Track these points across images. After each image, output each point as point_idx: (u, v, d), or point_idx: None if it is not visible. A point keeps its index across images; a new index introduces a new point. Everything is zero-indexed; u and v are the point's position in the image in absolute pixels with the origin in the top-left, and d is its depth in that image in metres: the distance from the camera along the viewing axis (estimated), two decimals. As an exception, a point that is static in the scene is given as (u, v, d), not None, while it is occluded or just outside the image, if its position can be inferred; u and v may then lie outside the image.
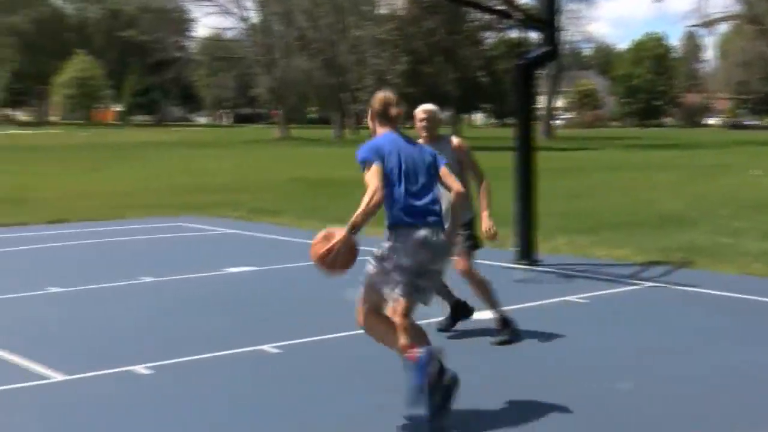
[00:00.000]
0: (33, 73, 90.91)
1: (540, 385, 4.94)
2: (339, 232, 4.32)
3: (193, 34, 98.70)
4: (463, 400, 4.26)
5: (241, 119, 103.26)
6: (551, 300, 7.33)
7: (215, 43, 77.92)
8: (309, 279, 8.47)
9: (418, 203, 4.32)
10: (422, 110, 5.93)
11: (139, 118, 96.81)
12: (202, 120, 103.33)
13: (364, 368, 5.32)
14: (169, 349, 5.74)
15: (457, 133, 46.72)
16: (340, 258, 4.26)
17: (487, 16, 43.73)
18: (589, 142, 49.45)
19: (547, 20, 9.19)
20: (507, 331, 5.99)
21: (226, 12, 58.59)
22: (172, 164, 28.40)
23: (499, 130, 77.56)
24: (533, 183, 9.17)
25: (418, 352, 4.11)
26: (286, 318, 6.81)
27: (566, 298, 7.37)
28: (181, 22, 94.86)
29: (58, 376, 5.14)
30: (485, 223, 6.03)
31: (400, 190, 4.31)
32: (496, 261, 9.29)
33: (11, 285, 8.03)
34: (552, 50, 9.24)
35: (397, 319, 4.25)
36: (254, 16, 59.89)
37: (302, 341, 5.98)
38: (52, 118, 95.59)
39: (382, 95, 4.58)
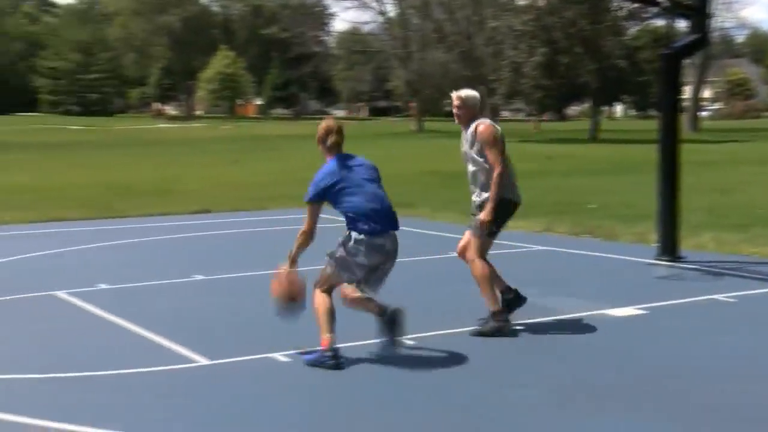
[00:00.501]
0: (181, 69, 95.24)
1: (680, 390, 4.74)
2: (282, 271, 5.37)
3: (332, 28, 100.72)
4: (606, 403, 4.15)
5: (377, 112, 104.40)
6: (696, 298, 7.02)
7: (353, 37, 79.12)
8: (446, 271, 8.49)
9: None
10: (455, 96, 6.06)
11: (279, 111, 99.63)
12: (339, 113, 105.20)
13: (487, 363, 5.26)
14: (305, 339, 5.88)
15: (597, 126, 45.54)
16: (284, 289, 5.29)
17: (632, 5, 42.30)
18: (739, 134, 47.05)
19: (696, 6, 8.78)
20: (492, 323, 5.82)
21: (365, 6, 59.33)
22: (310, 156, 28.99)
23: (640, 122, 75.04)
24: (678, 177, 8.81)
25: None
26: (419, 310, 6.84)
27: (713, 296, 7.05)
28: (321, 17, 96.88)
29: (202, 360, 5.36)
30: (481, 214, 5.93)
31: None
32: (638, 257, 9.00)
33: (159, 272, 8.44)
34: (701, 38, 8.83)
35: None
36: (392, 10, 60.35)
37: (435, 333, 5.98)
38: (198, 112, 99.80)
39: (324, 124, 5.54)
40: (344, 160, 5.46)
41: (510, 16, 43.65)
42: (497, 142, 5.91)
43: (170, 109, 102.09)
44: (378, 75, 79.59)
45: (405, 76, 59.96)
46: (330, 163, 5.46)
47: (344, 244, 5.32)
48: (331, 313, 5.25)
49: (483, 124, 5.97)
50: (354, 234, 5.29)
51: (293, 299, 5.30)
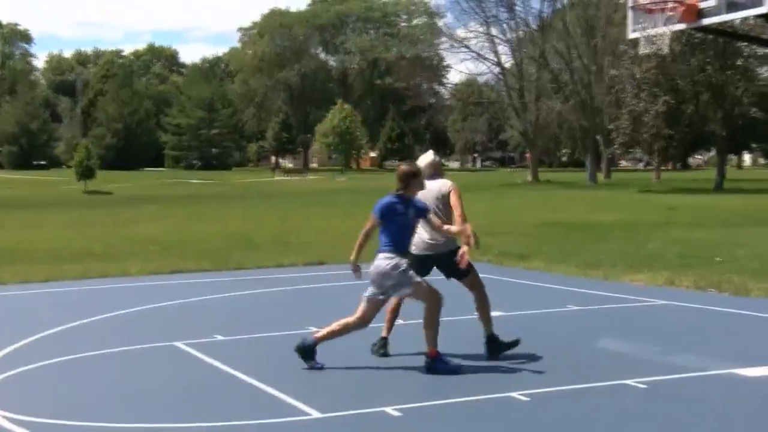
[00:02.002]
0: (298, 122, 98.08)
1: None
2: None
3: (447, 80, 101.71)
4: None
5: (492, 163, 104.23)
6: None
7: (468, 88, 79.65)
8: (559, 325, 8.32)
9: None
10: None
11: (394, 163, 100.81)
12: (454, 164, 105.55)
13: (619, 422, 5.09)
14: (418, 393, 5.86)
15: (723, 175, 43.88)
16: None
17: (764, 49, 40.88)
18: None
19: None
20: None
21: (481, 57, 59.75)
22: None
23: (771, 171, 71.95)
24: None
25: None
26: (536, 365, 6.71)
27: None
28: (436, 69, 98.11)
29: (314, 413, 5.41)
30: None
31: None
32: (767, 313, 8.58)
33: (274, 323, 8.61)
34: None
35: None
36: (508, 60, 60.54)
37: (554, 389, 5.85)
38: (313, 165, 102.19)
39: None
40: None
41: (630, 64, 42.94)
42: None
43: (287, 162, 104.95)
44: (492, 125, 79.68)
45: (521, 126, 59.79)
46: None
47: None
48: None
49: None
50: None
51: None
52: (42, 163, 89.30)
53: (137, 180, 61.63)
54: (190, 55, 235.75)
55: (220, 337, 7.95)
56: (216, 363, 6.88)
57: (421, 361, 6.77)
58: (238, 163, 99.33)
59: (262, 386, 6.11)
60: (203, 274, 12.79)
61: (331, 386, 6.21)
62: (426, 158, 7.16)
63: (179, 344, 7.59)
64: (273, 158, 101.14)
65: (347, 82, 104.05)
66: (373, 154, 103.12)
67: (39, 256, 14.91)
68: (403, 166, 6.81)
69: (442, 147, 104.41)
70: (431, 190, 6.94)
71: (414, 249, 6.89)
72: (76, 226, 22.91)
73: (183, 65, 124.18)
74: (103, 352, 7.37)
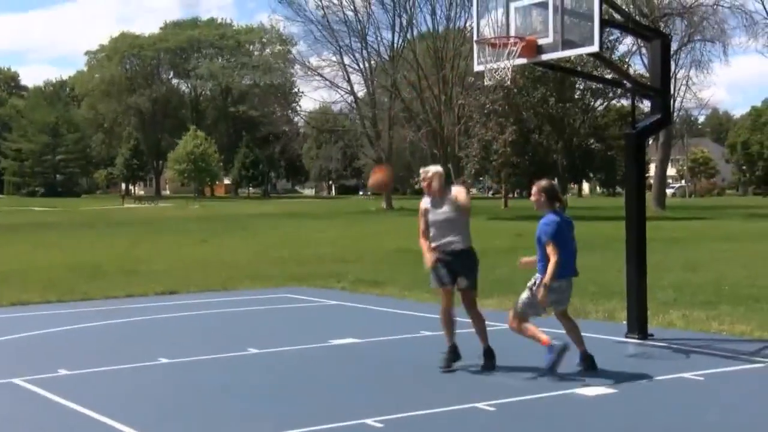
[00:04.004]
0: (149, 149, 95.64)
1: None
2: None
3: (301, 108, 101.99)
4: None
5: (345, 190, 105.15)
6: (665, 377, 7.05)
7: (322, 116, 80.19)
8: (412, 350, 8.46)
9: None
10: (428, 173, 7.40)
11: (248, 190, 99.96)
12: (308, 191, 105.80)
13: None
14: (288, 422, 5.80)
15: (565, 203, 46.07)
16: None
17: (596, 84, 43.40)
18: (704, 211, 47.94)
19: (659, 89, 9.06)
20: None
21: (334, 86, 60.34)
22: (278, 235, 29.09)
23: (608, 199, 76.22)
24: (645, 254, 8.93)
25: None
26: (388, 391, 6.79)
27: (681, 374, 7.08)
28: (289, 97, 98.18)
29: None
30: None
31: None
32: (607, 334, 9.04)
33: (122, 355, 8.31)
34: (664, 118, 9.07)
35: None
36: (361, 90, 61.43)
37: (406, 415, 5.93)
38: (166, 192, 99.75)
39: (549, 182, 7.23)
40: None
41: (478, 94, 44.58)
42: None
43: (138, 189, 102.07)
44: (346, 153, 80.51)
45: (374, 154, 60.67)
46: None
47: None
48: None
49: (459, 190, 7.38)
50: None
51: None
52: None
53: (-27, 207, 58.10)
54: (32, 77, 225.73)
55: (64, 372, 7.59)
56: (62, 401, 6.56)
57: (291, 391, 6.71)
58: (86, 191, 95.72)
59: (108, 421, 5.88)
60: (46, 306, 12.20)
61: (179, 420, 6.05)
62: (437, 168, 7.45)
63: (19, 381, 7.19)
64: (123, 185, 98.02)
65: (200, 108, 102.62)
66: (227, 181, 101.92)
67: None
68: (544, 181, 7.23)
69: (297, 174, 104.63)
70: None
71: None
72: None
73: (24, 88, 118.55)
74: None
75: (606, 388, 6.63)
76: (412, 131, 56.06)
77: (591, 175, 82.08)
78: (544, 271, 7.03)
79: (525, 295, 7.19)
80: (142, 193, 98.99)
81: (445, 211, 7.32)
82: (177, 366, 7.86)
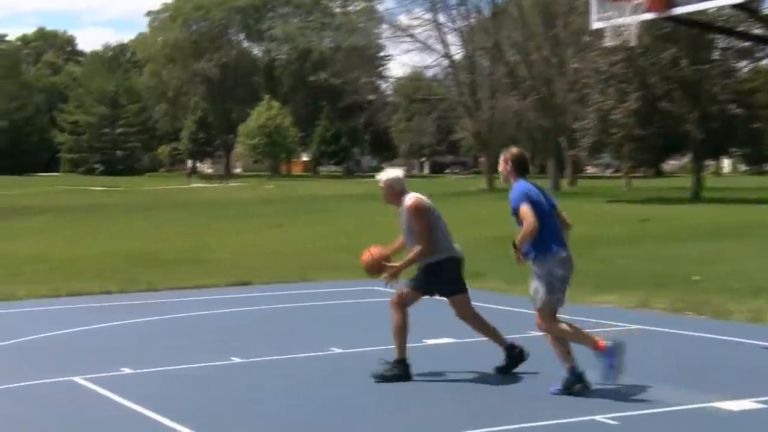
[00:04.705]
0: (218, 121, 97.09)
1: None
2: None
3: (389, 74, 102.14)
4: None
5: (439, 168, 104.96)
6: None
7: (413, 83, 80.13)
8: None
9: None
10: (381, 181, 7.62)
11: (329, 168, 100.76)
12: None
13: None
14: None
15: (701, 183, 44.91)
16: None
17: (741, 43, 41.99)
18: None
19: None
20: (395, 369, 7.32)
21: (427, 48, 60.20)
22: (362, 219, 29.25)
23: (752, 178, 73.98)
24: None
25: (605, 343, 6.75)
26: (490, 398, 6.76)
27: None
28: (376, 62, 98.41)
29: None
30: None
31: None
32: (753, 339, 8.80)
33: (190, 354, 8.51)
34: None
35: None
36: (458, 52, 61.08)
37: (510, 427, 5.90)
38: (236, 170, 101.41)
39: (519, 151, 7.11)
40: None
41: (595, 56, 43.75)
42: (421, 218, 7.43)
43: (205, 167, 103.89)
44: (441, 126, 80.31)
45: (473, 127, 60.35)
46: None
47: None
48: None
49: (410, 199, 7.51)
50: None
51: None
52: None
53: (25, 186, 60.47)
54: (88, 41, 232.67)
55: (127, 371, 7.83)
56: (124, 401, 6.77)
57: (370, 396, 6.78)
58: (149, 168, 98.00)
59: (175, 425, 6.04)
60: (106, 297, 12.60)
61: (263, 427, 6.16)
62: (400, 171, 7.82)
63: (79, 379, 7.45)
64: (189, 162, 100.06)
65: (274, 74, 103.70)
66: (305, 158, 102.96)
67: None
68: (515, 149, 7.25)
69: (385, 150, 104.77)
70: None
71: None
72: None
73: (80, 53, 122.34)
74: (-14, 389, 7.21)
75: (753, 403, 6.45)
76: (517, 100, 55.50)
77: (733, 150, 79.64)
78: (533, 254, 6.91)
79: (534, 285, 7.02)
80: (210, 171, 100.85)
81: (402, 220, 7.61)
82: (250, 366, 8.00)
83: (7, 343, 9.17)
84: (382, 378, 7.27)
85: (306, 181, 76.93)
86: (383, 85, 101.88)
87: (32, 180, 73.32)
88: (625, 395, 6.73)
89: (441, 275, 7.57)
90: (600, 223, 26.36)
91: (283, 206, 38.43)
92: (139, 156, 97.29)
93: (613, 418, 6.06)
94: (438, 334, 9.25)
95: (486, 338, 7.77)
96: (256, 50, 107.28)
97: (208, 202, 43.52)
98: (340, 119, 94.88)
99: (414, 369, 7.47)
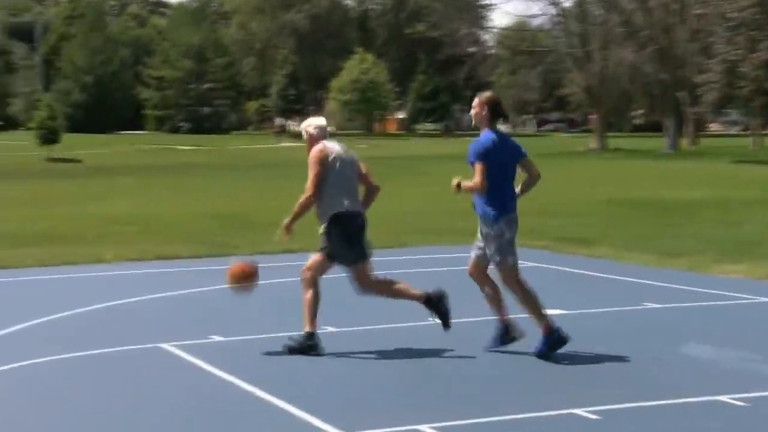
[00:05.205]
0: (308, 76, 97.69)
1: None
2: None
3: (492, 24, 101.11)
4: None
5: (547, 126, 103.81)
6: None
7: (518, 34, 79.17)
8: (633, 327, 8.28)
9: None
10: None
11: (426, 126, 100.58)
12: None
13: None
14: (456, 408, 5.87)
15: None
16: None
17: None
18: None
19: None
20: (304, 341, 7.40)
21: (532, -5, 59.31)
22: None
23: None
24: None
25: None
26: (606, 376, 6.70)
27: None
28: (477, 11, 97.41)
29: None
30: None
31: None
32: None
33: (279, 321, 8.64)
34: None
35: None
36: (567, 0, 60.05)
37: (630, 406, 5.85)
38: (329, 129, 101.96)
39: (495, 95, 7.43)
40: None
41: (722, 1, 42.49)
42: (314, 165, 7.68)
43: (295, 125, 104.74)
44: (548, 80, 79.24)
45: (583, 82, 59.36)
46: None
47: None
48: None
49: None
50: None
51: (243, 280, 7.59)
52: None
53: (111, 145, 62.01)
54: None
55: (217, 338, 8.00)
56: (214, 370, 6.93)
57: (466, 370, 6.80)
58: (236, 126, 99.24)
59: (273, 399, 6.17)
60: (194, 261, 12.86)
61: (356, 399, 6.23)
62: (320, 120, 8.25)
63: (167, 346, 7.65)
64: (278, 120, 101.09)
65: (368, 26, 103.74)
66: (400, 115, 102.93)
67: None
68: (489, 93, 7.65)
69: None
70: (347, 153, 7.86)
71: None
72: (37, 201, 23.11)
73: (166, 4, 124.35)
74: (70, 356, 7.46)
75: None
76: (633, 51, 54.32)
77: None
78: (484, 213, 7.24)
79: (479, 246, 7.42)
80: (299, 129, 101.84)
81: None
82: (343, 336, 8.08)
83: (93, 307, 9.44)
84: (290, 350, 7.38)
85: (401, 141, 76.98)
86: (485, 37, 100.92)
87: (117, 138, 75.13)
88: (756, 374, 6.58)
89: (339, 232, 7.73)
90: (725, 185, 25.76)
91: (377, 167, 38.44)
92: (226, 113, 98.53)
93: (740, 399, 5.94)
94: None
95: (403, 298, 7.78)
96: (349, 0, 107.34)
97: (298, 163, 43.91)
98: (438, 74, 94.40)
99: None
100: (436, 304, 7.54)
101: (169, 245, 14.06)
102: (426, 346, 7.64)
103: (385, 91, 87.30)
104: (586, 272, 11.68)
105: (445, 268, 12.10)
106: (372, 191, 8.06)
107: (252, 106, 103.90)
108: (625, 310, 9.23)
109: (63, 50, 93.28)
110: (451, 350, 7.48)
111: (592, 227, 15.93)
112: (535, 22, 67.87)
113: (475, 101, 7.45)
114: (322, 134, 7.98)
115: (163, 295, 10.23)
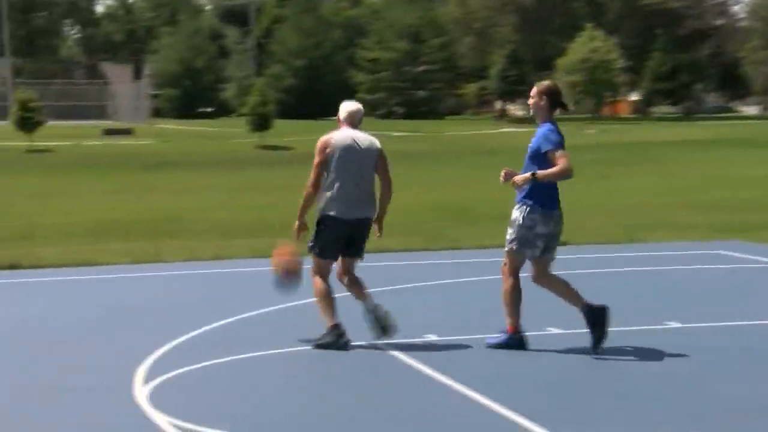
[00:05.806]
0: (532, 56, 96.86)
1: None
2: None
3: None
4: None
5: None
6: None
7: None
8: None
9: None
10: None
11: (663, 109, 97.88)
12: (751, 110, 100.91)
13: None
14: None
15: None
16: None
17: None
18: None
19: None
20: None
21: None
22: (703, 170, 28.31)
23: None
24: None
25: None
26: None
27: None
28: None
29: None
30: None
31: None
32: None
33: (489, 324, 8.69)
34: None
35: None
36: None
37: None
38: (555, 113, 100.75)
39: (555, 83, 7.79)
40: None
41: None
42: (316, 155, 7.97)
43: (515, 109, 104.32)
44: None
45: None
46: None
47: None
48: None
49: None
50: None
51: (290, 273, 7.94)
52: (207, 110, 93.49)
53: (322, 132, 63.44)
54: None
55: (433, 338, 8.14)
56: (429, 371, 7.09)
57: (708, 383, 6.67)
58: (453, 110, 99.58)
59: (497, 408, 6.23)
60: (409, 254, 13.05)
61: (563, 403, 6.22)
62: (353, 105, 8.38)
63: (378, 344, 7.84)
64: (498, 104, 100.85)
65: (600, 0, 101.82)
66: (633, 98, 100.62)
67: (204, 228, 15.79)
68: (549, 81, 7.96)
69: (734, 86, 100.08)
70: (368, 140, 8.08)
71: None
72: (249, 190, 23.98)
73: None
74: (282, 351, 7.80)
75: None
76: None
77: None
78: (521, 199, 7.57)
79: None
80: (520, 113, 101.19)
81: None
82: (567, 338, 8.05)
83: (304, 302, 9.69)
84: (318, 346, 7.66)
85: (635, 125, 75.22)
86: (735, 7, 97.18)
87: (329, 125, 76.80)
88: None
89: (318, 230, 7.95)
90: None
91: (608, 154, 37.91)
92: (442, 97, 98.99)
93: None
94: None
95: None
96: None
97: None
98: (678, 50, 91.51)
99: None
100: (385, 326, 7.75)
101: (388, 236, 14.29)
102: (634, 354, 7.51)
103: (616, 71, 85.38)
104: None
105: (692, 267, 11.79)
106: (385, 185, 8.24)
107: (470, 88, 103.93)
108: None
109: (276, 33, 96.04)
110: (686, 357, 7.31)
111: None
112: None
113: (533, 90, 7.62)
114: (348, 120, 8.17)
115: (376, 290, 10.44)
